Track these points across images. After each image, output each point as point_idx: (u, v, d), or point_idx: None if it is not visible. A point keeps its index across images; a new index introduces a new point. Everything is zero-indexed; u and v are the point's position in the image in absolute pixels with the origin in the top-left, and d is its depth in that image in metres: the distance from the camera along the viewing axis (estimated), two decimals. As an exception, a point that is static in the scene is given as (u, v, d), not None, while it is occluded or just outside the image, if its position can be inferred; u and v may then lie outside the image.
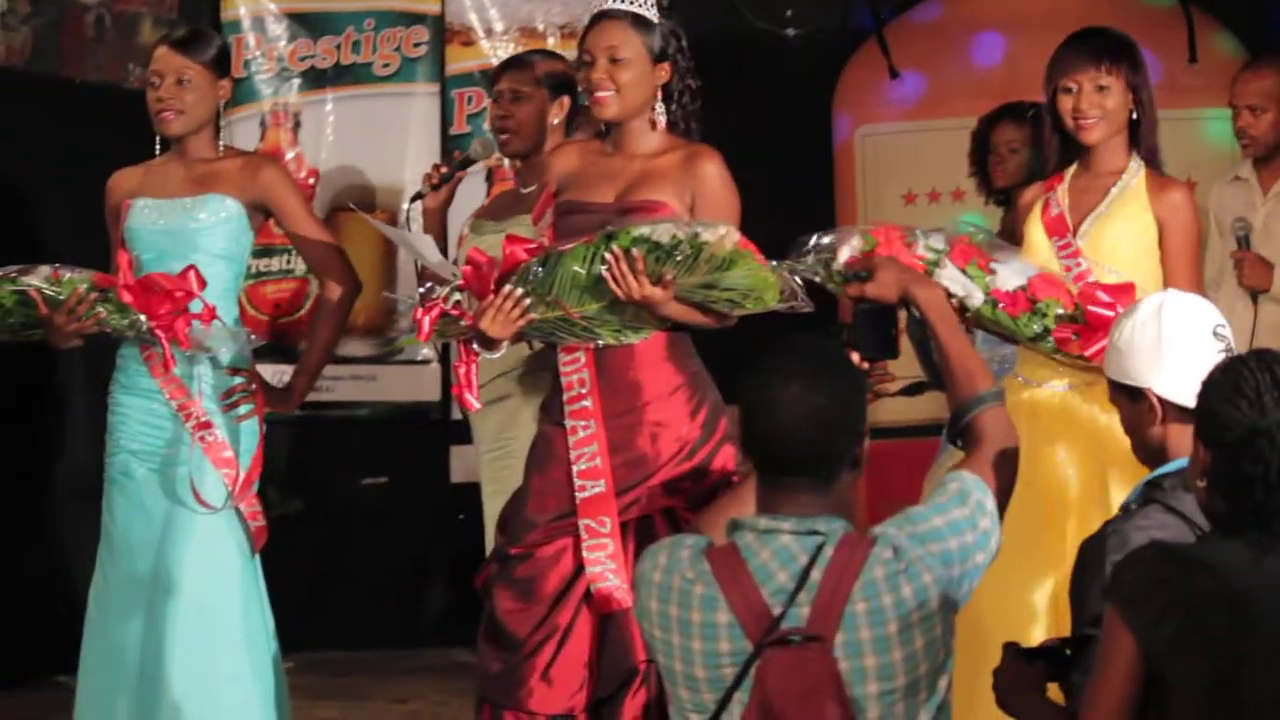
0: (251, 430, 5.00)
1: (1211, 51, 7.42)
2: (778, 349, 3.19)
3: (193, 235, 5.01)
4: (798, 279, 4.33)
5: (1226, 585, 2.92)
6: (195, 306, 4.88)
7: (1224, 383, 3.07)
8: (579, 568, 4.39)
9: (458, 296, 4.41)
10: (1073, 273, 4.68)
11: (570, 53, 4.97)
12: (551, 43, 7.75)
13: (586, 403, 4.42)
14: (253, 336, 5.07)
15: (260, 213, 5.11)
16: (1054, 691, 3.34)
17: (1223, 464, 3.04)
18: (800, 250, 4.43)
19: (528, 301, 4.31)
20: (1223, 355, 3.50)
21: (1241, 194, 6.34)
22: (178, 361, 4.90)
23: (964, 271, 4.50)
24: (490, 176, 7.70)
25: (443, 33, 7.92)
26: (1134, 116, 4.76)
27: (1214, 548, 3.04)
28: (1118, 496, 4.31)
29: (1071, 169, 4.84)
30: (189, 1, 7.77)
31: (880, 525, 3.17)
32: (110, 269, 5.01)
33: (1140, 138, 4.78)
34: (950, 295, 4.37)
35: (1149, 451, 3.62)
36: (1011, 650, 3.34)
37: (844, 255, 4.36)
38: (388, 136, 7.90)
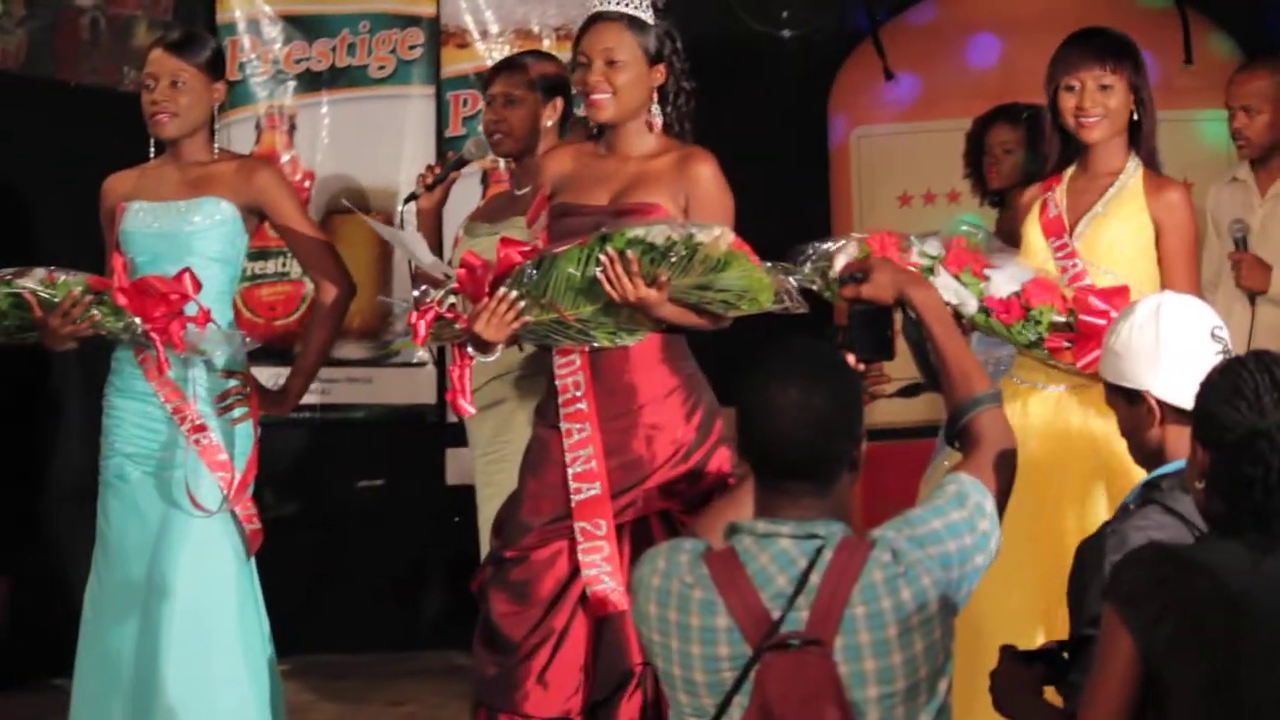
0: (246, 433, 4.99)
1: (1207, 53, 7.42)
2: (774, 352, 3.18)
3: (187, 238, 5.00)
4: (792, 281, 4.33)
5: (1225, 586, 2.92)
6: (190, 309, 4.88)
7: (1223, 384, 3.07)
8: (574, 571, 4.38)
9: (452, 300, 4.40)
10: (1069, 274, 4.68)
11: (566, 54, 4.96)
12: (547, 44, 7.75)
13: (581, 405, 4.41)
14: (248, 339, 5.06)
15: (255, 215, 5.10)
16: (1052, 695, 3.33)
17: (1222, 465, 3.04)
18: (796, 258, 4.42)
19: (522, 304, 4.30)
20: (1220, 357, 3.49)
21: (1239, 195, 6.33)
22: (172, 364, 4.90)
23: (958, 278, 4.50)
24: (486, 178, 7.70)
25: (438, 35, 7.92)
26: (1134, 117, 4.76)
27: (1213, 549, 3.03)
28: (1114, 498, 4.30)
29: (1070, 170, 4.83)
30: (184, 4, 7.77)
31: (879, 528, 3.16)
32: (105, 272, 5.01)
33: (1141, 139, 4.78)
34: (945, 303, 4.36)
35: (1146, 453, 3.61)
36: (1009, 653, 3.33)
37: (840, 263, 4.36)
38: (383, 139, 7.89)
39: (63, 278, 4.88)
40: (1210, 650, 2.91)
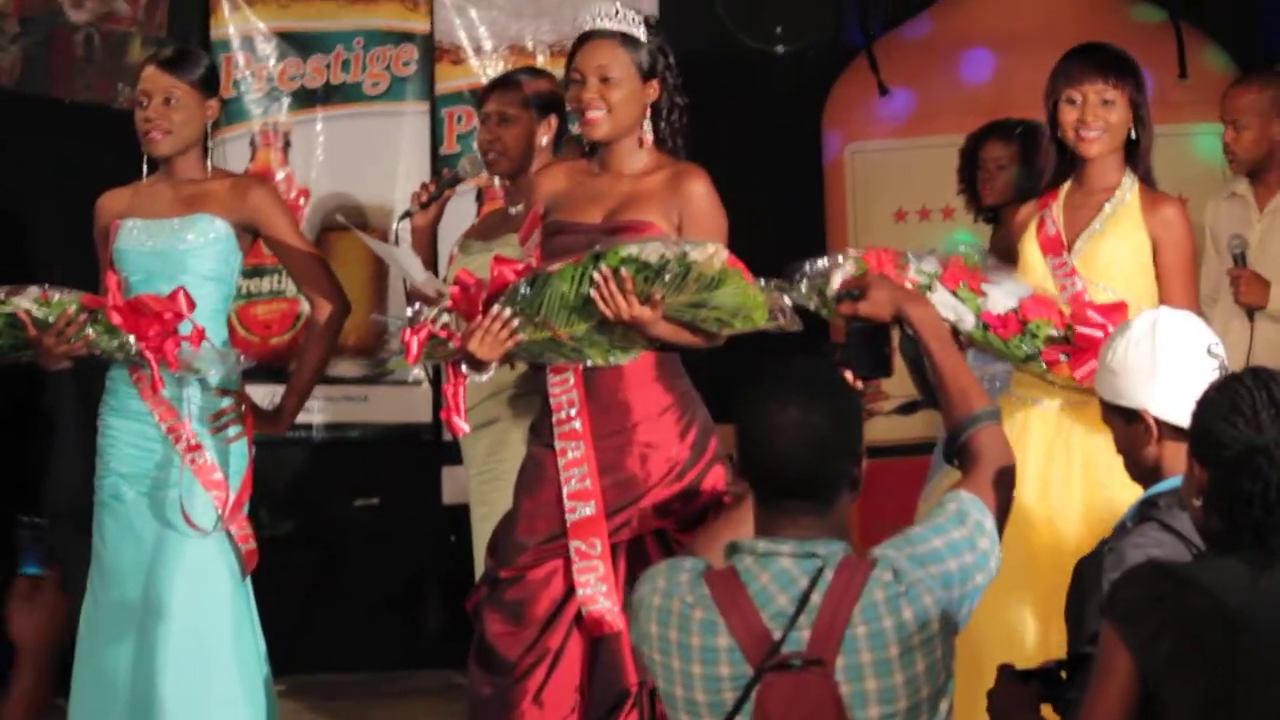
0: (241, 452, 4.98)
1: (1202, 67, 7.41)
2: (772, 371, 3.17)
3: (181, 256, 5.00)
4: (787, 299, 4.32)
5: (1223, 603, 2.92)
6: (184, 328, 4.87)
7: (1220, 401, 3.07)
8: (570, 590, 4.38)
9: (446, 318, 4.39)
10: (1068, 292, 4.68)
11: (559, 70, 4.95)
12: (541, 61, 7.73)
13: (576, 424, 4.41)
14: (242, 358, 5.05)
15: (249, 233, 5.10)
16: (1049, 713, 3.32)
17: (1220, 482, 3.03)
18: (792, 276, 4.41)
19: (516, 323, 4.29)
20: (1217, 374, 3.50)
21: (1237, 210, 6.32)
22: (167, 383, 4.90)
23: (955, 294, 4.50)
24: (481, 196, 7.68)
25: (432, 51, 7.91)
26: (1133, 135, 4.75)
27: (1211, 566, 3.03)
28: (1112, 515, 4.29)
29: (1066, 185, 4.82)
30: (178, 21, 7.75)
31: (879, 547, 3.15)
32: (100, 290, 5.00)
33: (1138, 156, 4.77)
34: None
35: (1143, 471, 3.61)
36: (1006, 671, 3.33)
37: (836, 281, 4.35)
38: (378, 156, 7.88)
39: (57, 296, 4.88)
40: (1208, 667, 2.90)
